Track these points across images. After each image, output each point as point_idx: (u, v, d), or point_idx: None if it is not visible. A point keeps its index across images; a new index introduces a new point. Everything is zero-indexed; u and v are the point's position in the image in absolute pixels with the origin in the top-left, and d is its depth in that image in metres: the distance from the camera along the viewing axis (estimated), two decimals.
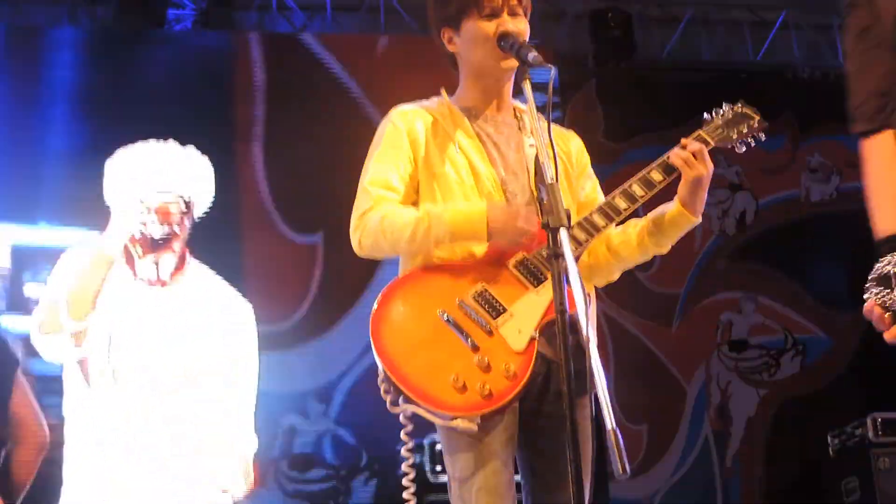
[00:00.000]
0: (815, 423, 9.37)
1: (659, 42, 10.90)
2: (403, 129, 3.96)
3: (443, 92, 4.11)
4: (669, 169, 3.90)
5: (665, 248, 4.03)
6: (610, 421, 2.85)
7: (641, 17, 10.81)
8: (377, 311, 3.75)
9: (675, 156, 3.89)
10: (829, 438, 8.98)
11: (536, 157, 3.43)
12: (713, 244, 10.53)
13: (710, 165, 3.90)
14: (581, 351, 3.04)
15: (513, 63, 3.82)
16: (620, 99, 10.45)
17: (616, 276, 4.17)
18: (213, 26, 9.67)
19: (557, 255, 3.11)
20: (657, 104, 10.36)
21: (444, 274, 3.80)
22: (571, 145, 4.14)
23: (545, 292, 3.68)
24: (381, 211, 3.83)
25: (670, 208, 3.92)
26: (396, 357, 3.68)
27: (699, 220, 3.95)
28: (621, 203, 3.85)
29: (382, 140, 3.98)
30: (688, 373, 10.24)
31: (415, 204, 3.92)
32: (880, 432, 8.37)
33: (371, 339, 3.69)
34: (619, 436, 2.83)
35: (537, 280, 3.73)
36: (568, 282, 3.08)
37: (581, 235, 3.77)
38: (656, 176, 3.90)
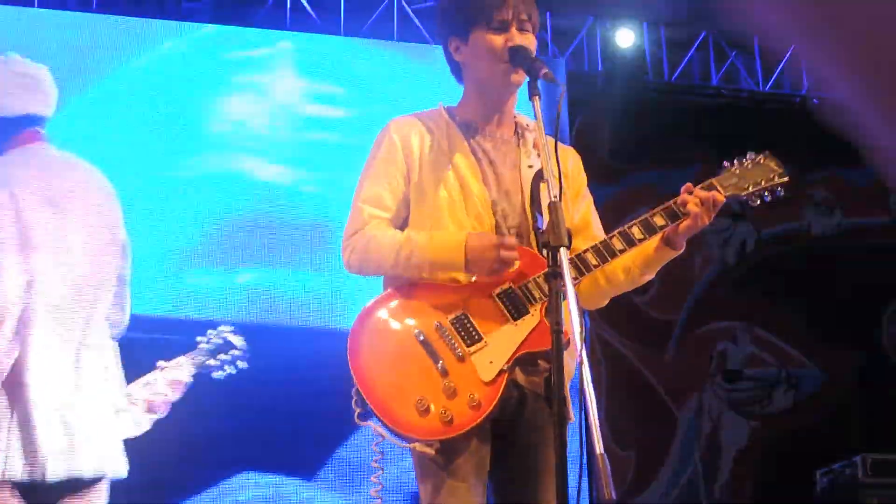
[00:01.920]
0: (806, 458, 9.33)
1: (669, 65, 10.89)
2: (399, 144, 3.94)
3: (440, 105, 4.08)
4: (674, 215, 3.82)
5: (652, 275, 4.01)
6: (598, 445, 2.82)
7: (652, 39, 10.80)
8: (356, 325, 3.76)
9: (692, 204, 3.80)
10: (817, 476, 8.95)
11: (534, 179, 3.41)
12: (712, 273, 10.50)
13: (714, 215, 3.84)
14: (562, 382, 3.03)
15: (521, 77, 3.80)
16: (628, 120, 10.42)
17: (605, 302, 4.14)
18: (225, 21, 9.66)
19: (556, 274, 3.08)
20: (664, 127, 10.33)
21: (427, 295, 3.79)
22: (569, 163, 4.09)
23: (524, 325, 3.67)
24: (369, 232, 3.85)
25: (655, 244, 3.87)
26: (367, 372, 3.69)
27: (681, 251, 3.91)
28: (618, 244, 3.80)
29: (378, 154, 3.97)
30: (680, 400, 10.20)
31: (406, 219, 3.92)
32: (870, 472, 8.33)
33: (347, 353, 3.69)
34: (607, 461, 2.80)
35: (518, 312, 3.69)
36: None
37: (572, 272, 3.71)
38: (659, 220, 3.82)
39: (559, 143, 3.98)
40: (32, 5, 9.36)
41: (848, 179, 10.76)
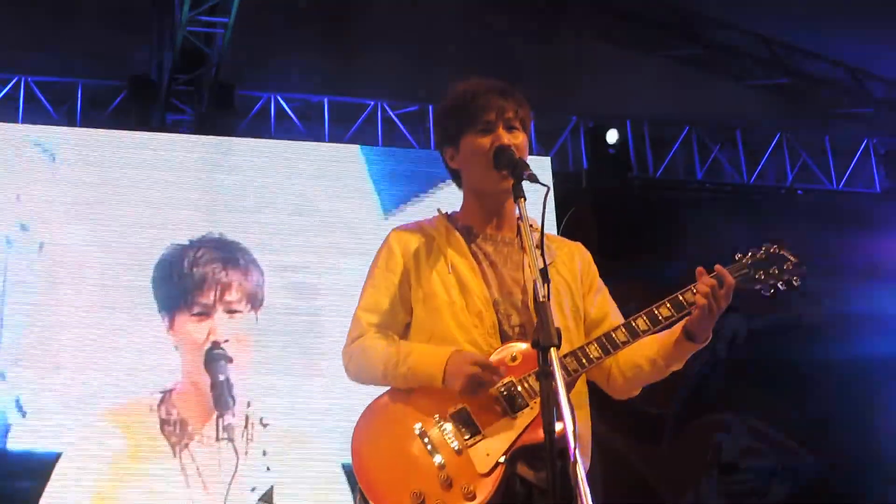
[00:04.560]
0: None
1: (653, 161, 10.97)
2: (399, 252, 3.96)
3: (438, 211, 4.09)
4: (679, 306, 3.80)
5: (680, 366, 3.94)
6: None
7: (636, 136, 10.89)
8: (360, 421, 3.77)
9: (694, 293, 3.77)
10: None
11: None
12: (704, 365, 10.48)
13: (727, 303, 3.74)
14: (568, 475, 3.00)
15: (510, 182, 3.77)
16: (614, 217, 10.46)
17: (637, 391, 4.09)
18: (210, 131, 9.72)
19: (547, 374, 3.08)
20: (651, 222, 10.38)
21: (429, 389, 3.77)
22: (576, 261, 4.08)
23: (521, 419, 3.65)
24: (364, 342, 3.88)
25: (675, 336, 3.84)
26: (368, 466, 3.70)
27: (707, 342, 3.85)
28: (621, 336, 3.76)
29: (378, 264, 3.99)
30: (676, 494, 10.13)
31: (408, 325, 3.93)
32: None
33: (351, 451, 3.69)
34: None
35: (518, 406, 3.68)
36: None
37: (572, 364, 3.70)
38: (664, 312, 3.77)
39: (565, 240, 4.01)
40: (17, 120, 9.44)
41: (835, 268, 10.80)
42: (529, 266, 3.50)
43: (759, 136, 11.28)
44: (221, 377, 8.72)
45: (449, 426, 3.68)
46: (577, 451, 2.98)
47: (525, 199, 3.55)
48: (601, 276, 4.16)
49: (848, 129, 11.53)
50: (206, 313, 8.93)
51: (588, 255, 4.16)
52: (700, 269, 3.78)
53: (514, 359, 3.76)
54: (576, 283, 4.01)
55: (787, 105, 11.42)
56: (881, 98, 11.34)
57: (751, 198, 11.05)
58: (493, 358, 3.74)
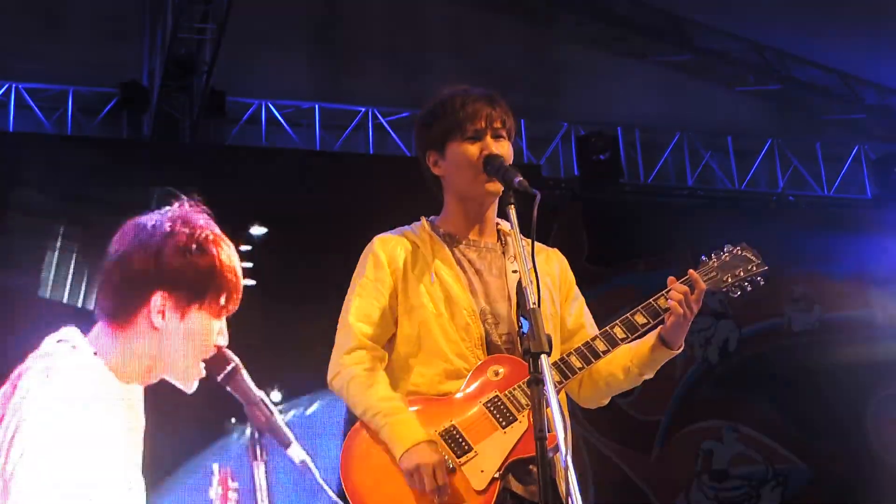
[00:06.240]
0: None
1: (644, 167, 10.96)
2: (385, 260, 3.94)
3: (422, 219, 4.08)
4: (655, 313, 3.82)
5: (652, 375, 3.98)
6: None
7: (627, 142, 10.88)
8: (347, 442, 3.76)
9: (667, 299, 3.81)
10: None
11: (518, 284, 3.38)
12: (695, 372, 10.46)
13: (698, 307, 3.83)
14: (556, 486, 3.01)
15: (497, 187, 3.76)
16: (605, 223, 10.45)
17: (606, 401, 4.11)
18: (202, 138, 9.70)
19: (538, 380, 3.07)
20: (642, 229, 10.36)
21: (418, 407, 3.76)
22: (555, 266, 4.09)
23: (512, 433, 3.66)
24: (354, 371, 3.83)
25: (651, 343, 3.86)
26: (360, 489, 3.68)
27: (681, 350, 3.90)
28: (601, 346, 3.79)
29: (364, 271, 3.97)
30: (667, 502, 10.12)
31: (394, 335, 3.91)
32: None
33: (340, 468, 3.67)
34: None
35: (506, 420, 3.68)
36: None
37: (556, 377, 3.71)
38: (640, 319, 3.82)
39: (541, 245, 4.00)
40: (8, 128, 9.42)
41: (826, 274, 10.80)
42: (518, 273, 3.50)
43: (751, 142, 11.27)
44: None
45: (440, 445, 3.68)
46: (568, 457, 2.98)
47: (515, 206, 3.54)
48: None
49: (839, 135, 11.54)
50: None
51: (565, 262, 4.18)
52: (671, 277, 3.83)
53: (497, 374, 3.76)
54: (555, 288, 4.02)
55: (779, 111, 11.44)
56: (872, 104, 11.36)
57: (742, 204, 11.04)
58: (475, 375, 3.75)
